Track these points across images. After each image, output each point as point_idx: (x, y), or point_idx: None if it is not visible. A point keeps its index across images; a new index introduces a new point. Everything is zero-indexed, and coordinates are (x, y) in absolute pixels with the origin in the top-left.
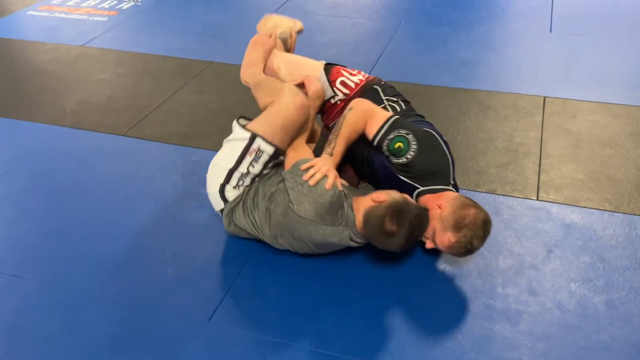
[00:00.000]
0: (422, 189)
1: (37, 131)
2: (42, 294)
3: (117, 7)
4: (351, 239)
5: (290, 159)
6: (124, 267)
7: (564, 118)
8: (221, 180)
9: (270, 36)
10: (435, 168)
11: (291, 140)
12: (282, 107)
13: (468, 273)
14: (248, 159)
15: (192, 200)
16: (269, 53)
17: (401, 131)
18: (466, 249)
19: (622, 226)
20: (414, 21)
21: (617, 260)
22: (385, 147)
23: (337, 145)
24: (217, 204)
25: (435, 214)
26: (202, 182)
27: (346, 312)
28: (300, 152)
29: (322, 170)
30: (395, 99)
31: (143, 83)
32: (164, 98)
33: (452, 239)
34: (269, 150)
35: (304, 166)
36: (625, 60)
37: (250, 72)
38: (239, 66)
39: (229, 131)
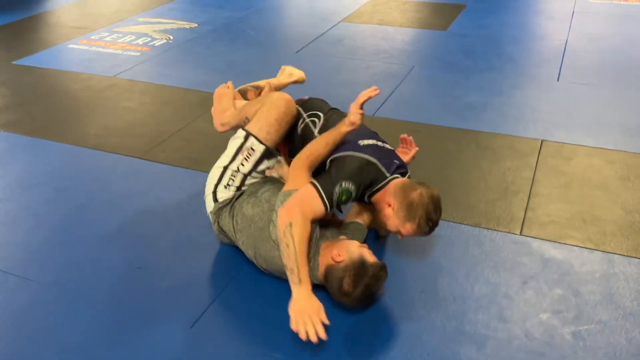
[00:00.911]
0: (367, 196)
1: (63, 151)
2: (44, 294)
3: (150, 44)
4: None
5: (290, 181)
6: (122, 274)
7: (559, 160)
8: (215, 181)
9: (229, 86)
10: (371, 178)
11: (281, 139)
12: (273, 105)
13: (443, 298)
14: (240, 156)
15: (196, 218)
16: (232, 100)
17: (336, 188)
18: (429, 227)
19: (600, 263)
20: (427, 66)
21: (590, 294)
22: (338, 205)
23: (300, 269)
24: (209, 206)
25: (388, 213)
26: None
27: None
28: (300, 177)
29: (307, 324)
30: (315, 113)
31: (164, 112)
32: (181, 126)
33: (413, 226)
34: (259, 149)
35: (292, 326)
36: (628, 108)
37: (227, 113)
38: None
39: None
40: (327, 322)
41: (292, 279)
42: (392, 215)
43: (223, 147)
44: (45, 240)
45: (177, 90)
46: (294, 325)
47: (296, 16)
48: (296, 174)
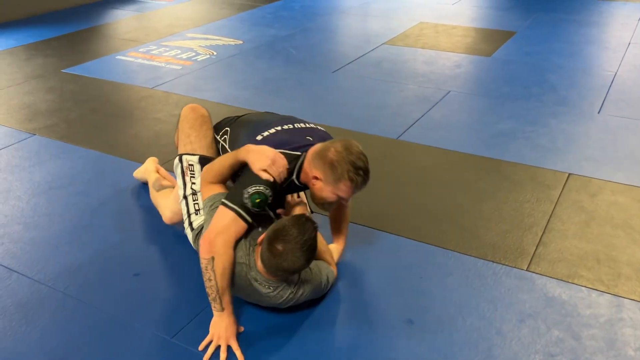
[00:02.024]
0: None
1: (89, 157)
2: (35, 293)
3: (193, 59)
4: (255, 280)
5: (204, 193)
6: (117, 280)
7: (583, 195)
8: (185, 214)
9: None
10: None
11: (208, 140)
12: (182, 118)
13: (430, 330)
14: (187, 178)
15: None
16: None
17: (244, 197)
18: (361, 176)
19: (608, 307)
20: (463, 91)
21: (590, 339)
22: (260, 210)
23: (222, 298)
24: (190, 238)
25: (319, 185)
26: None
27: (302, 351)
28: (211, 188)
29: (220, 342)
30: (223, 131)
31: None
32: None
33: (347, 183)
34: (195, 159)
35: (201, 346)
36: None
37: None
38: None
39: None
40: (235, 346)
41: (215, 307)
42: (323, 185)
43: None
44: (53, 241)
45: (209, 104)
46: (205, 341)
47: (341, 37)
48: (205, 190)
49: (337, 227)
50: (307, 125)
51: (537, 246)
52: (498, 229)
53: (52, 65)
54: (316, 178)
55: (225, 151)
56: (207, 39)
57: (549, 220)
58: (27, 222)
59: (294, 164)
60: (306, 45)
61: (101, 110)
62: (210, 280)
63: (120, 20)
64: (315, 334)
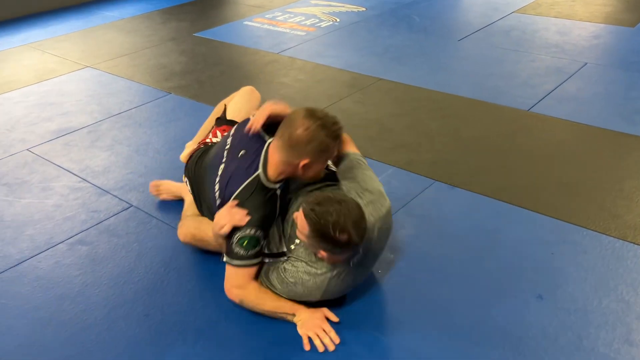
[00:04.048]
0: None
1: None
2: (172, 237)
3: (316, 25)
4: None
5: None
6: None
7: None
8: None
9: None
10: (258, 201)
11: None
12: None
13: (562, 307)
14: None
15: None
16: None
17: (235, 250)
18: (331, 134)
19: None
20: (601, 64)
21: None
22: (259, 250)
23: (284, 308)
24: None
25: (311, 168)
26: None
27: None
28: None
29: (317, 331)
30: (186, 179)
31: (314, 89)
32: (327, 104)
33: (333, 145)
34: None
35: (306, 346)
36: None
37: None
38: (405, 85)
39: (378, 139)
40: (328, 328)
41: (286, 317)
42: (314, 164)
43: (366, 128)
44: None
45: (331, 70)
46: (305, 341)
47: (467, 5)
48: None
49: None
50: (231, 144)
51: None
52: None
53: (185, 29)
54: (306, 164)
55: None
56: (330, 5)
57: None
58: (165, 173)
59: (255, 182)
60: (430, 13)
61: (229, 73)
62: (261, 310)
63: None
64: (450, 306)
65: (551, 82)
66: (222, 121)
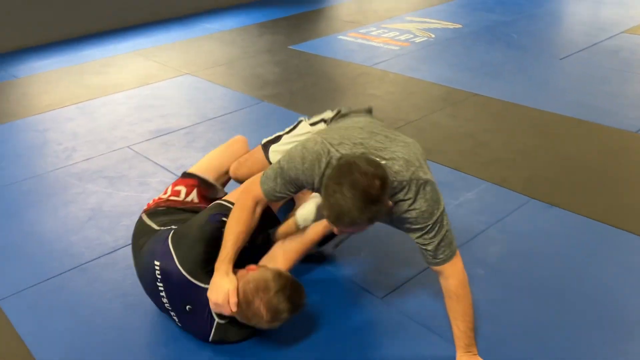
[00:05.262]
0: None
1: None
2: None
3: (410, 40)
4: None
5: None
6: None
7: None
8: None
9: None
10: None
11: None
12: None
13: (606, 316)
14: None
15: None
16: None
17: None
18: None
19: None
20: None
21: None
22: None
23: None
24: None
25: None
26: None
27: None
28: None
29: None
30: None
31: (406, 102)
32: (418, 117)
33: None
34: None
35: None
36: None
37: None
38: (501, 101)
39: (471, 154)
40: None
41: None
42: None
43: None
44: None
45: (424, 83)
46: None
47: (569, 24)
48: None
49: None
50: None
51: None
52: None
53: (280, 42)
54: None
55: None
56: (425, 22)
57: None
58: None
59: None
60: (530, 30)
61: (321, 84)
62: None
63: (342, 3)
64: (554, 333)
65: None
66: (189, 175)
